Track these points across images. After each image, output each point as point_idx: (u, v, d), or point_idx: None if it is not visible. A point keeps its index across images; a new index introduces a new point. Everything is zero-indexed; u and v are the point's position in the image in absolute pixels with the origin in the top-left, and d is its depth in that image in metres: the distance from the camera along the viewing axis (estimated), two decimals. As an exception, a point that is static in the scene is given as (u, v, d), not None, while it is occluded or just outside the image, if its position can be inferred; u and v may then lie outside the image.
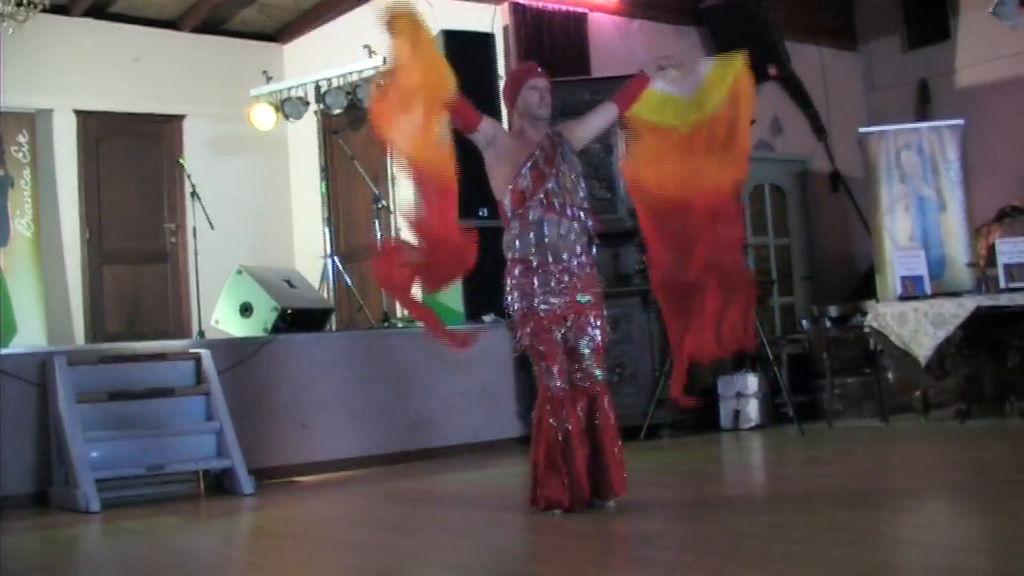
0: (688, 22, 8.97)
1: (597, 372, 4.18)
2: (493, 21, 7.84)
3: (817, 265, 9.64)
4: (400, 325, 7.83)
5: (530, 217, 4.13)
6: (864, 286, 8.67)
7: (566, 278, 4.13)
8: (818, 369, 7.69)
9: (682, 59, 4.48)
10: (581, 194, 4.21)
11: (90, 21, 9.09)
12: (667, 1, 8.82)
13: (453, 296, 7.14)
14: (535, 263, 4.12)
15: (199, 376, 5.95)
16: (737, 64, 4.41)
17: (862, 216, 9.31)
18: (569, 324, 4.16)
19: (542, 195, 4.13)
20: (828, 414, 7.23)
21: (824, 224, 9.74)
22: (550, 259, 4.12)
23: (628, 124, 4.50)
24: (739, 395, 7.30)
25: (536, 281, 4.11)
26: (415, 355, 6.76)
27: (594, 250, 4.25)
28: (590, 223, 4.20)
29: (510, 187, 4.15)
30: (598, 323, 4.20)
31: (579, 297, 4.16)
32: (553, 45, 7.82)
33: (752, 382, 7.29)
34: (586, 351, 4.18)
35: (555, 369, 4.12)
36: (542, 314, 4.10)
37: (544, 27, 7.87)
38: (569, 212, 4.15)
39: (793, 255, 9.63)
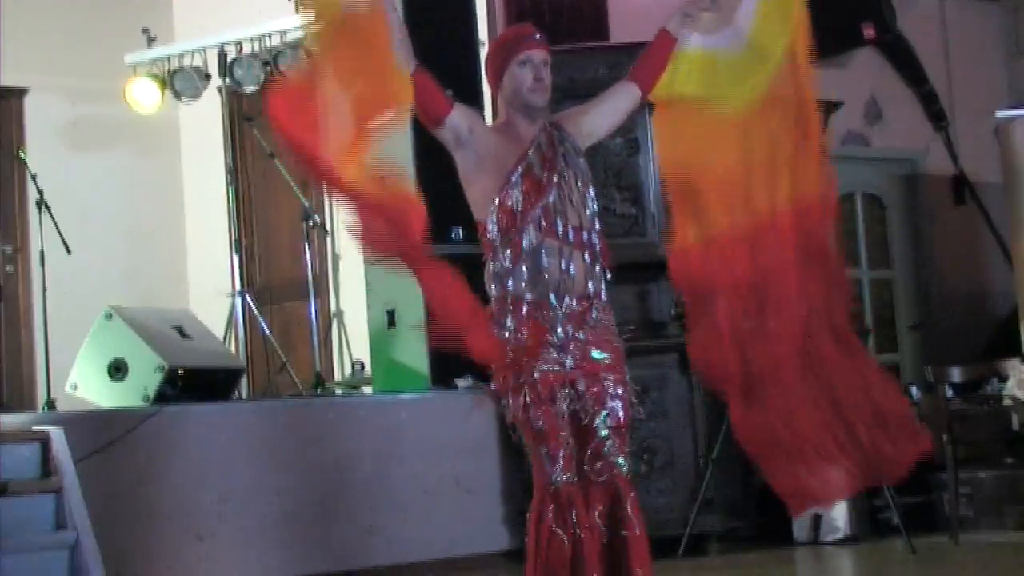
0: (749, -37, 9.19)
1: (619, 460, 4.24)
2: (472, -37, 7.99)
3: (933, 308, 9.81)
4: (340, 392, 7.96)
5: (523, 244, 4.18)
6: (1003, 338, 8.82)
7: (573, 328, 4.21)
8: (936, 458, 7.79)
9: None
10: (591, 211, 4.27)
11: None
12: (717, -67, 9.03)
13: (416, 353, 7.28)
14: (531, 307, 4.19)
15: (46, 465, 5.99)
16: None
17: (999, 238, 9.48)
18: (579, 392, 4.23)
19: (539, 213, 4.18)
20: (952, 523, 7.27)
21: (943, 250, 9.92)
22: (552, 301, 4.18)
23: (659, 106, 4.55)
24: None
25: (532, 332, 4.17)
26: (361, 433, 6.89)
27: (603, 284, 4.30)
28: (598, 246, 4.25)
29: (496, 202, 4.20)
30: (620, 391, 4.25)
31: (593, 354, 4.23)
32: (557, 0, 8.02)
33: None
34: (604, 431, 4.23)
35: (559, 455, 4.15)
36: (544, 376, 4.15)
37: (544, -28, 8.07)
38: (574, 236, 4.22)
39: (897, 294, 9.83)
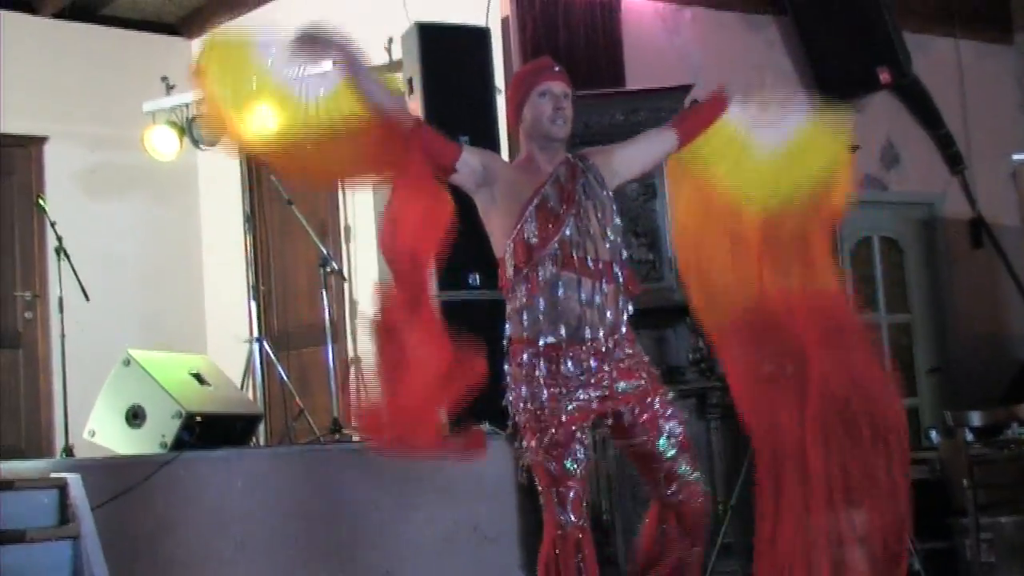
0: (763, 10, 9.19)
1: (696, 475, 4.32)
2: (488, 11, 8.02)
3: (951, 352, 9.80)
4: (357, 438, 7.97)
5: (540, 277, 4.17)
6: (1023, 382, 8.81)
7: (598, 362, 4.23)
8: (956, 503, 7.75)
9: (780, 95, 4.58)
10: (611, 242, 4.26)
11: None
12: (733, -19, 9.09)
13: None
14: (549, 343, 4.19)
15: (64, 512, 5.98)
16: (840, 145, 4.56)
17: (1018, 281, 9.48)
18: (625, 424, 4.25)
19: (556, 245, 4.18)
20: (974, 569, 7.28)
21: (962, 293, 9.91)
22: (571, 336, 4.18)
23: (680, 164, 4.58)
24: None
25: (552, 369, 4.19)
26: (378, 479, 6.90)
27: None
28: (621, 276, 4.26)
29: (512, 238, 4.21)
30: (670, 410, 4.29)
31: (619, 386, 4.24)
32: (573, 45, 8.02)
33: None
34: (671, 452, 4.26)
35: (569, 498, 4.17)
36: (564, 417, 4.16)
37: (560, 19, 8.08)
38: (593, 266, 4.21)
39: (916, 338, 9.81)
